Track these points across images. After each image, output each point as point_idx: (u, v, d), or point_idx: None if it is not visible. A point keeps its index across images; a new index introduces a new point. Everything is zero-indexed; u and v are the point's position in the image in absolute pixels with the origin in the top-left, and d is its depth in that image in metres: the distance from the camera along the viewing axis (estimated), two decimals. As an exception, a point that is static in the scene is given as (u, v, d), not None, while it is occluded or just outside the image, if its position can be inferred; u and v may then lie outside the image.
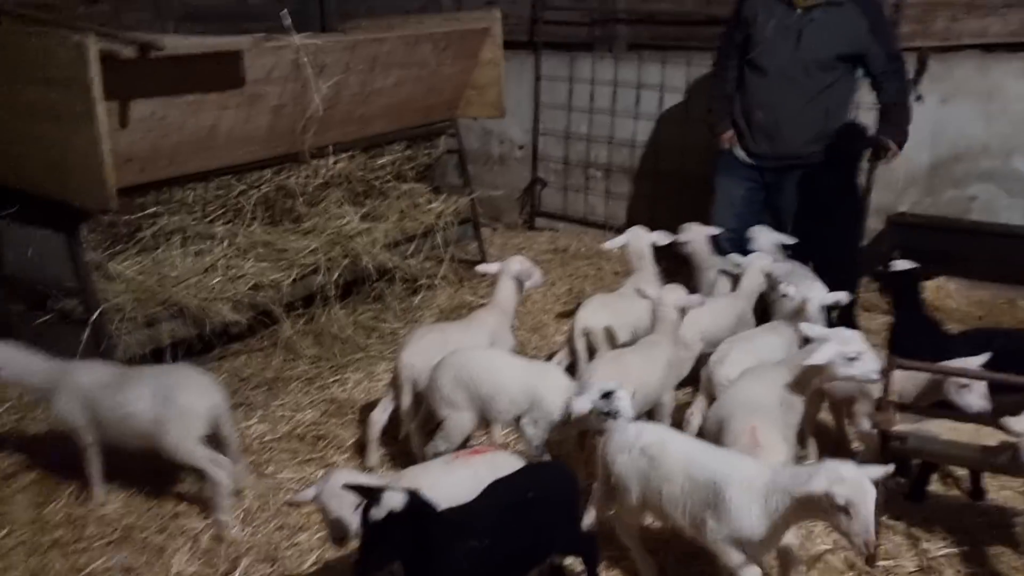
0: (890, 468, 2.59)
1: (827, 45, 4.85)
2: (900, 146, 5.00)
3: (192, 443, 3.43)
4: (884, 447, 3.24)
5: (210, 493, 3.52)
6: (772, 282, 4.53)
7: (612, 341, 4.39)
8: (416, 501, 2.40)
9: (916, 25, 5.99)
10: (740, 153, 5.26)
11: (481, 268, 4.63)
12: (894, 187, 6.26)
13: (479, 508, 2.65)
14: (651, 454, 2.88)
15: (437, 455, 3.44)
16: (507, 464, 2.98)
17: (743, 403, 3.27)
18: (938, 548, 3.40)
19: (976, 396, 3.33)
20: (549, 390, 3.48)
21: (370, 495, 2.39)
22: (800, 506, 2.56)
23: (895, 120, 4.97)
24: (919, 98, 6.01)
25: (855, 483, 2.43)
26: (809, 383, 3.39)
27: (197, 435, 3.45)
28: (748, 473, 2.70)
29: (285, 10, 4.98)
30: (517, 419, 3.55)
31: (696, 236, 5.21)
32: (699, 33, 6.77)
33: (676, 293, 4.00)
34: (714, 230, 5.21)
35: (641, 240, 4.98)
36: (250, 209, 5.14)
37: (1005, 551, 3.38)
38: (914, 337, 4.09)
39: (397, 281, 5.74)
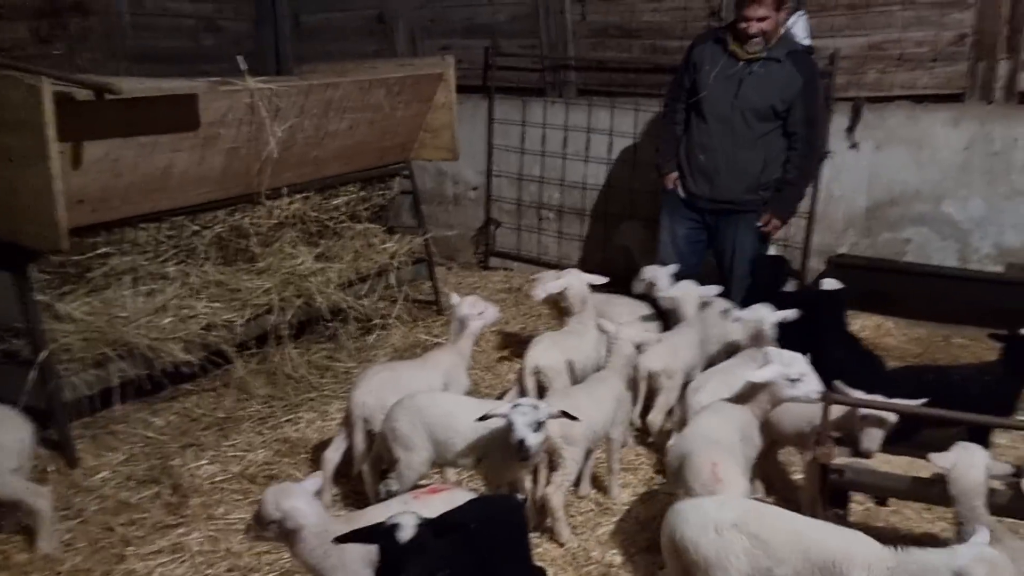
0: None
1: (763, 96, 5.09)
2: (783, 221, 5.28)
3: (5, 476, 3.43)
4: (823, 480, 3.36)
5: (31, 523, 3.54)
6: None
7: (562, 379, 4.47)
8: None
9: (851, 76, 6.29)
10: (683, 194, 5.46)
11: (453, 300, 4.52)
12: (834, 229, 6.51)
13: (428, 539, 2.65)
14: (751, 531, 2.65)
15: (390, 494, 3.46)
16: (463, 498, 3.02)
17: (704, 437, 3.33)
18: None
19: (876, 439, 3.41)
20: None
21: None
22: None
23: (785, 196, 5.27)
24: (854, 145, 6.30)
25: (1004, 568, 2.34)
26: (761, 409, 3.51)
27: (9, 468, 3.44)
28: (871, 554, 2.54)
29: (240, 56, 5.05)
30: (477, 461, 3.56)
31: (573, 282, 4.91)
32: (645, 80, 7.03)
33: (633, 329, 4.12)
34: (597, 279, 4.95)
35: (580, 282, 4.92)
36: (203, 249, 5.14)
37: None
38: (844, 362, 4.24)
39: (351, 320, 5.76)
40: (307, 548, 2.75)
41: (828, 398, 3.40)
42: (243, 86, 4.77)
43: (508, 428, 3.27)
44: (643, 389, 4.49)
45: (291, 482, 3.10)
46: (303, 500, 2.76)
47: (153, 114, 4.32)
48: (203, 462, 4.35)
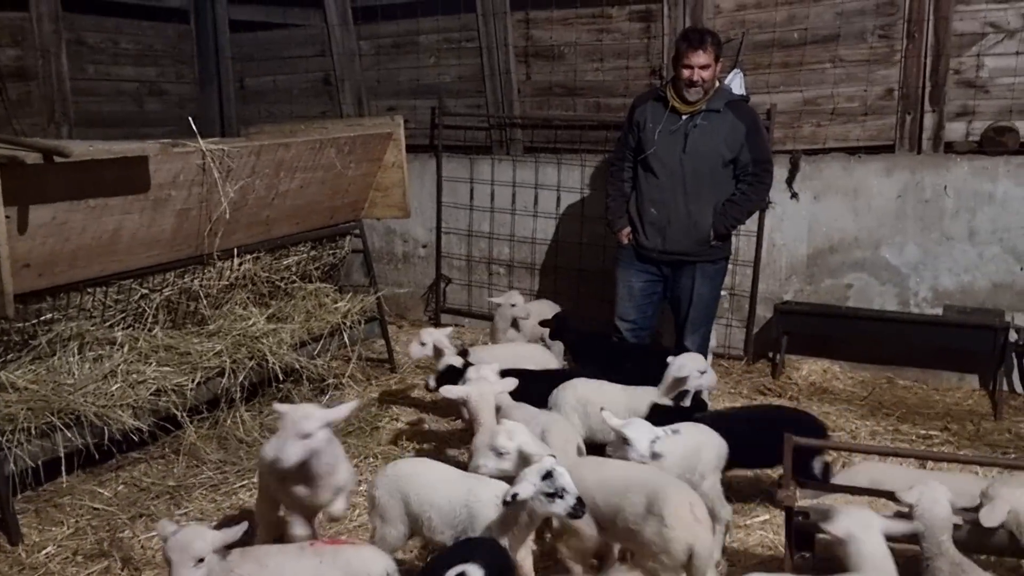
0: None
1: (710, 147, 5.25)
2: (718, 234, 5.38)
3: None
4: (788, 523, 3.39)
5: None
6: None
7: None
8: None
9: (787, 130, 6.55)
10: (635, 248, 5.55)
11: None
12: (778, 277, 6.70)
13: None
14: None
15: None
16: (369, 558, 2.93)
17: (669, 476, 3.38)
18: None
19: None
20: (485, 504, 3.25)
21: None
22: None
23: (726, 210, 5.34)
24: (794, 195, 6.53)
25: None
26: None
27: None
28: None
29: (190, 117, 5.04)
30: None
31: (433, 339, 5.22)
32: (590, 136, 7.20)
33: (489, 382, 4.04)
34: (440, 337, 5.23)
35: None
36: (152, 313, 5.02)
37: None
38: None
39: (304, 381, 5.68)
40: None
41: (790, 441, 3.46)
42: (195, 147, 4.74)
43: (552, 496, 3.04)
44: None
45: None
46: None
47: (103, 176, 4.26)
48: (154, 533, 4.17)
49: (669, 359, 4.53)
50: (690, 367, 4.46)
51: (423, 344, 5.23)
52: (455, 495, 3.29)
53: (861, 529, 2.93)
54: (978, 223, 6.09)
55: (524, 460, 3.36)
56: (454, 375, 4.70)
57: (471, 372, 4.35)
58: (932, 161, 6.18)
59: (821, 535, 3.52)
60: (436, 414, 5.75)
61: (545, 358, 5.48)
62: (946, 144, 6.18)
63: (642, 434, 3.60)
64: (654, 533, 3.14)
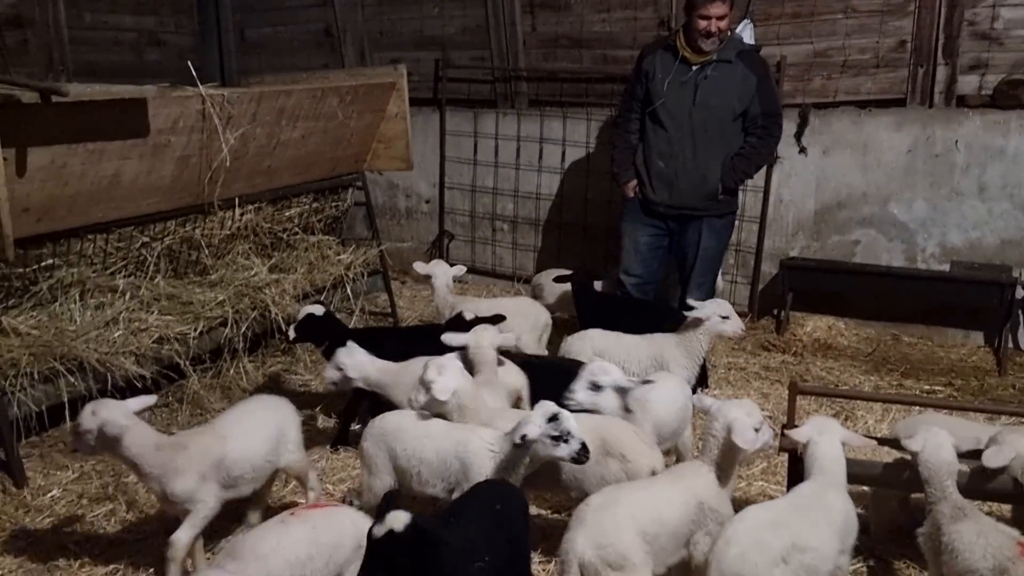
0: None
1: (721, 99, 5.15)
2: (726, 188, 5.31)
3: None
4: (791, 467, 3.38)
5: None
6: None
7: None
8: (420, 525, 2.37)
9: (797, 83, 6.45)
10: (641, 202, 5.48)
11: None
12: (784, 233, 6.64)
13: (468, 527, 2.61)
14: None
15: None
16: (349, 519, 2.88)
17: None
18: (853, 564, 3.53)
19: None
20: (476, 454, 3.22)
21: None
22: None
23: (734, 164, 5.27)
24: (803, 150, 6.45)
25: None
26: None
27: None
28: None
29: (189, 62, 4.95)
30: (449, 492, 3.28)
31: (436, 271, 5.35)
32: (596, 89, 7.10)
33: (489, 333, 3.96)
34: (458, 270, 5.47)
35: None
36: (153, 261, 4.99)
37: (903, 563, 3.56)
38: None
39: (307, 333, 5.65)
40: (133, 453, 3.11)
41: (795, 388, 3.44)
42: (194, 92, 4.67)
43: (557, 439, 3.02)
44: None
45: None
46: (119, 412, 3.08)
47: (101, 120, 4.21)
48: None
49: (690, 301, 4.64)
50: (711, 309, 4.50)
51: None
52: (444, 447, 3.28)
53: (818, 433, 3.08)
54: (988, 178, 6.02)
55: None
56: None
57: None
58: (943, 115, 6.09)
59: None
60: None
61: (534, 310, 5.42)
62: (958, 98, 6.09)
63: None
64: (619, 471, 3.26)
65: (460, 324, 4.54)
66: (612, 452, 3.29)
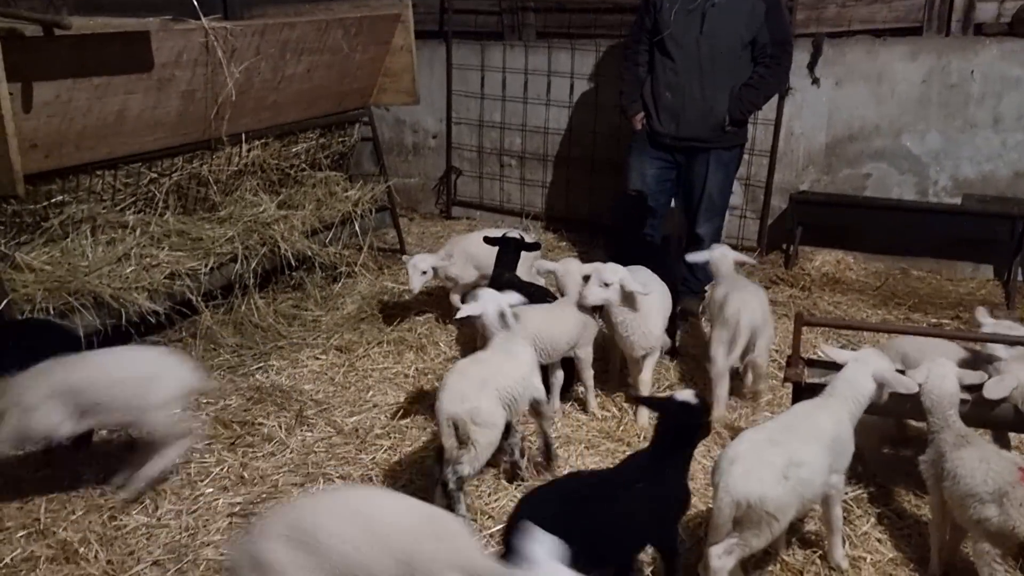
0: None
1: (729, 28, 5.06)
2: (734, 120, 5.24)
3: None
4: (796, 400, 3.42)
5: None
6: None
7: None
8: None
9: (810, 12, 6.31)
10: (649, 134, 5.43)
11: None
12: (795, 167, 6.58)
13: None
14: None
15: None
16: None
17: None
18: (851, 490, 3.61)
19: None
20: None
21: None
22: None
23: (741, 94, 5.18)
24: (815, 81, 6.34)
25: None
26: None
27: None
28: None
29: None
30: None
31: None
32: (605, 21, 6.96)
33: (576, 261, 4.44)
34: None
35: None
36: (162, 197, 5.01)
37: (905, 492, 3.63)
38: None
39: (316, 269, 5.69)
40: None
41: (800, 319, 3.47)
42: (197, 25, 4.61)
43: None
44: None
45: None
46: None
47: (104, 54, 4.18)
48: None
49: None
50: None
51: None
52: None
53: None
54: (1004, 109, 5.93)
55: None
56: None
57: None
58: (960, 44, 5.96)
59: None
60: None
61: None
62: (976, 26, 5.95)
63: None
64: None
65: (519, 245, 4.76)
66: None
